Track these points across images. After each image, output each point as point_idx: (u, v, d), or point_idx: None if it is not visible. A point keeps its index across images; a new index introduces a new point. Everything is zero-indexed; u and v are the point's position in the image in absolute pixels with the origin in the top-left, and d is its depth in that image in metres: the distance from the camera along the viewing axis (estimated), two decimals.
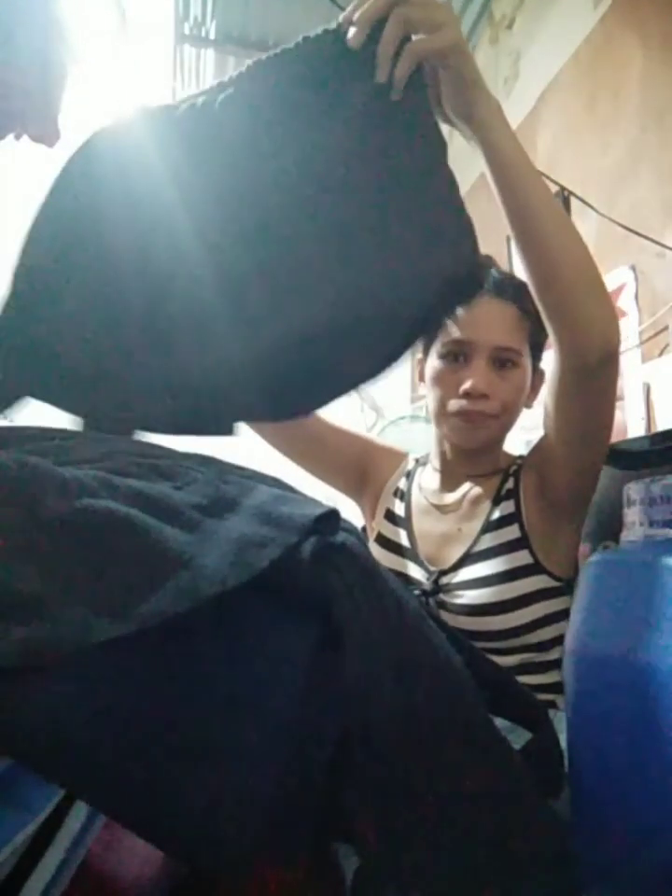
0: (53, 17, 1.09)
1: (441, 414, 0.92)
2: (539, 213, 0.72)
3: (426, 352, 0.96)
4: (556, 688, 0.84)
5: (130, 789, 0.28)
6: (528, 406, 0.97)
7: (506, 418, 0.92)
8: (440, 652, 0.40)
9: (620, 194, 1.91)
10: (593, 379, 0.77)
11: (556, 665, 0.87)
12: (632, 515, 0.43)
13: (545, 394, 0.86)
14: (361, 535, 0.39)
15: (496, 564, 0.86)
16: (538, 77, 2.38)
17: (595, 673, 0.40)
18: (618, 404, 1.93)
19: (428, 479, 1.01)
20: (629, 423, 1.84)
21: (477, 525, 0.90)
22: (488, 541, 0.88)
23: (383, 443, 1.14)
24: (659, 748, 0.36)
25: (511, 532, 0.88)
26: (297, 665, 0.32)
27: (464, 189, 2.67)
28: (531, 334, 0.91)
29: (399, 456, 1.09)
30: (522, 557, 0.86)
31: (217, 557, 0.29)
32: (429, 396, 0.95)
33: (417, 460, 1.08)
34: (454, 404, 0.89)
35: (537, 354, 0.94)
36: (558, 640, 0.86)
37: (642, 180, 1.83)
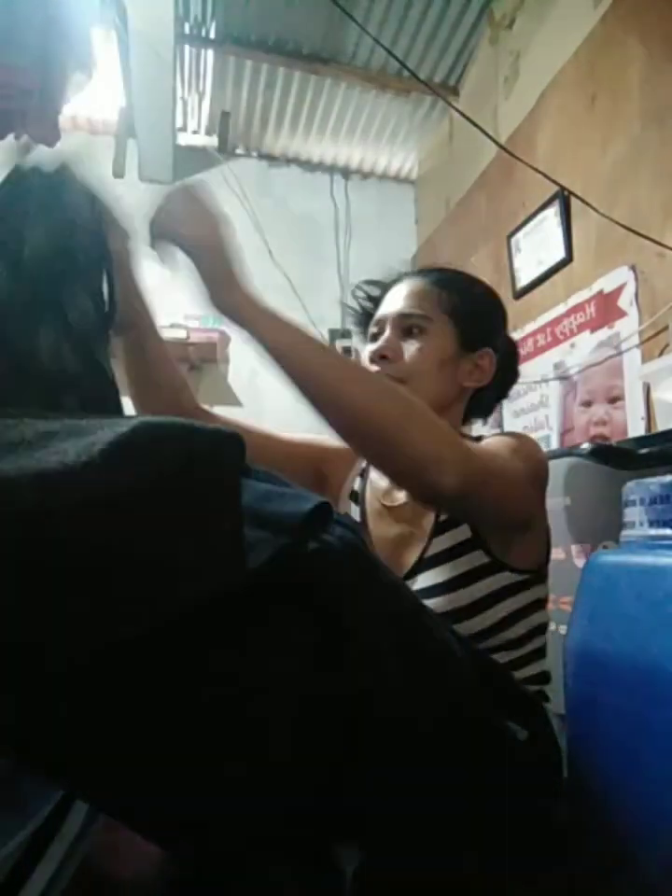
0: (53, 17, 1.09)
1: None
2: (324, 386, 0.69)
3: None
4: (541, 678, 0.81)
5: (130, 788, 0.28)
6: (469, 385, 0.93)
7: (419, 385, 0.86)
8: (440, 643, 0.40)
9: (620, 194, 1.91)
10: (461, 510, 0.73)
11: (538, 655, 0.83)
12: (632, 515, 0.43)
13: None
14: (357, 527, 0.39)
15: (451, 568, 0.81)
16: (538, 77, 2.38)
17: (595, 673, 0.40)
18: (618, 404, 1.95)
19: (378, 477, 0.96)
20: (629, 423, 1.84)
21: (427, 526, 0.85)
22: (441, 544, 0.83)
23: (336, 444, 1.05)
24: (658, 747, 0.36)
25: (462, 532, 0.82)
26: (297, 663, 0.32)
27: (463, 190, 2.69)
28: (450, 305, 0.91)
29: (353, 455, 1.01)
30: (477, 557, 0.81)
31: (209, 559, 0.29)
32: None
33: (363, 474, 1.01)
34: None
35: (466, 327, 0.91)
36: (536, 631, 0.83)
37: (642, 180, 1.83)
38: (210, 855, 0.29)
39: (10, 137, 1.14)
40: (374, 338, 0.94)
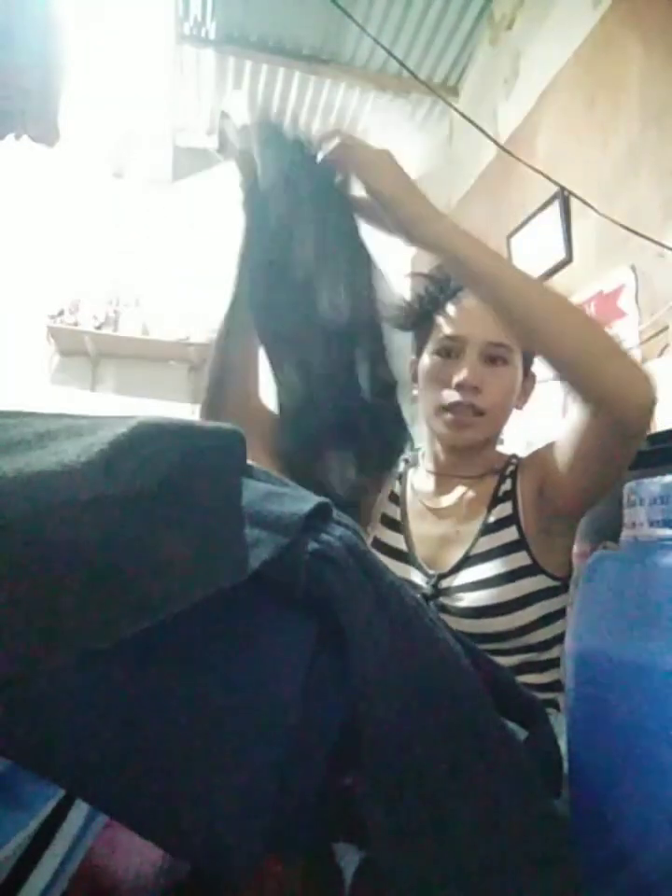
0: (53, 17, 1.09)
1: (433, 411, 0.92)
2: (527, 306, 0.72)
3: (418, 352, 0.96)
4: (556, 686, 0.85)
5: (130, 789, 0.28)
6: (518, 407, 0.96)
7: (495, 417, 0.91)
8: (441, 645, 0.40)
9: (620, 194, 1.91)
10: (634, 440, 0.76)
11: (555, 664, 0.87)
12: (632, 515, 0.43)
13: (570, 435, 0.82)
14: (358, 528, 0.39)
15: (495, 566, 0.85)
16: (538, 77, 2.38)
17: (595, 673, 0.40)
18: None
19: (422, 481, 1.00)
20: None
21: (474, 527, 0.90)
22: (486, 544, 0.87)
23: None
24: (659, 747, 0.36)
25: (509, 534, 0.87)
26: (298, 665, 0.32)
27: (463, 190, 2.69)
28: None
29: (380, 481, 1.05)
30: (520, 559, 0.85)
31: (209, 558, 0.29)
32: (422, 394, 0.94)
33: (407, 461, 1.06)
34: (446, 397, 0.89)
35: (529, 356, 0.93)
36: (557, 639, 0.87)
37: (642, 180, 1.83)
38: (210, 855, 0.29)
39: (10, 137, 1.14)
40: (445, 355, 0.90)
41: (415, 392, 0.98)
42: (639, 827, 0.37)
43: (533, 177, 2.13)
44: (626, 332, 1.86)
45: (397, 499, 1.01)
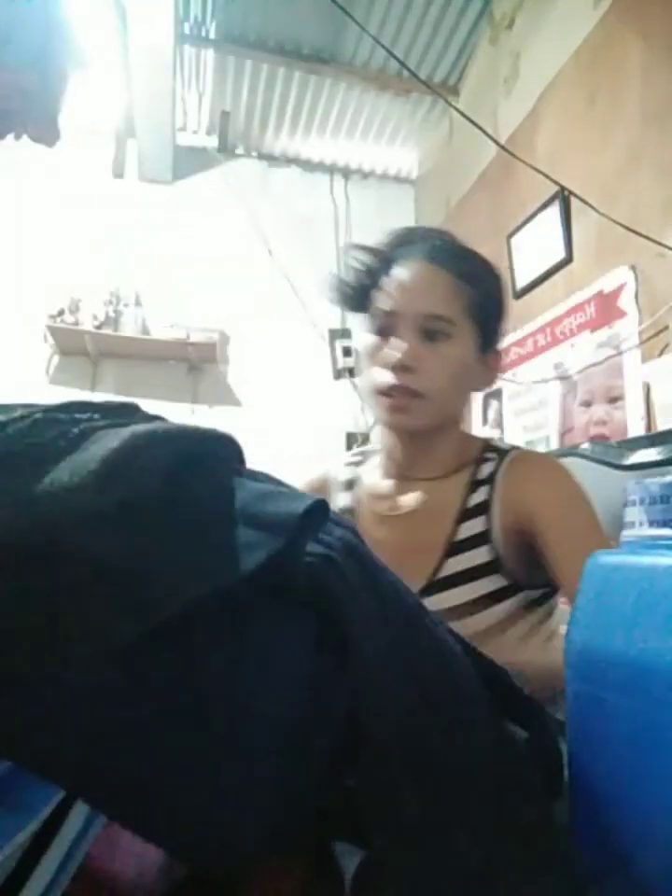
0: (53, 17, 1.09)
1: (370, 395, 0.82)
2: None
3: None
4: None
5: (130, 790, 0.28)
6: (478, 389, 0.86)
7: (439, 400, 0.79)
8: (441, 645, 0.40)
9: (620, 194, 1.91)
10: None
11: None
12: (632, 515, 0.43)
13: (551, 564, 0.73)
14: (356, 528, 0.39)
15: (467, 591, 0.75)
16: (538, 77, 2.38)
17: (595, 673, 0.40)
18: (618, 404, 1.95)
19: (375, 484, 0.88)
20: (629, 423, 1.84)
21: (439, 543, 0.78)
22: (455, 565, 0.77)
23: (305, 484, 0.97)
24: (659, 748, 0.36)
25: (480, 555, 0.76)
26: (297, 665, 0.32)
27: (463, 190, 2.69)
28: (472, 305, 0.79)
29: (321, 484, 0.95)
30: (494, 581, 0.76)
31: (201, 562, 0.29)
32: (362, 377, 0.85)
33: (354, 464, 0.95)
34: (380, 379, 0.78)
35: (484, 330, 0.82)
36: (547, 641, 0.81)
37: (642, 180, 1.83)
38: (210, 855, 0.29)
39: (10, 137, 1.14)
40: (381, 333, 0.80)
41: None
42: (639, 827, 0.37)
43: (533, 177, 2.13)
44: (626, 332, 1.87)
45: (352, 513, 0.89)
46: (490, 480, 0.80)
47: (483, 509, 0.78)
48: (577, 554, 0.67)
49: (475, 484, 0.80)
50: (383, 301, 0.80)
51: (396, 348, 0.77)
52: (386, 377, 0.77)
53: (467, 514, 0.79)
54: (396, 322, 0.79)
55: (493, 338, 0.85)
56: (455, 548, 0.77)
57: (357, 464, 0.95)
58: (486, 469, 0.81)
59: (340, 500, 0.91)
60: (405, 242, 0.84)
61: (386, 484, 0.87)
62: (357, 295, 0.84)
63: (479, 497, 0.79)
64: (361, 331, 0.85)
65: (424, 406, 0.78)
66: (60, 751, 0.27)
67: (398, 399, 0.77)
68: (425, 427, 0.80)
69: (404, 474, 0.85)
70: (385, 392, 0.78)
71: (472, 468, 0.82)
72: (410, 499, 0.83)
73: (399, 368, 0.76)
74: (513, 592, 0.76)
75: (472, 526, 0.78)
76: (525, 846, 0.38)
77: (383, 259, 0.83)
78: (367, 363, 0.82)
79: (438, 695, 0.37)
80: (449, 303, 0.78)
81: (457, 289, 0.78)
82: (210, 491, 0.32)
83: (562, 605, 0.98)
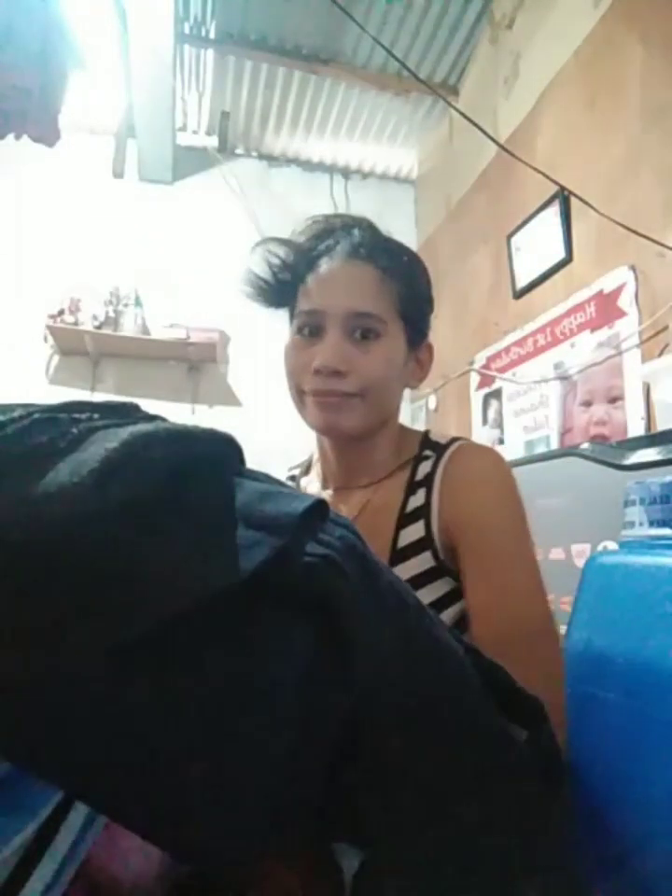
0: (53, 17, 1.09)
1: (297, 398, 0.78)
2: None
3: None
4: None
5: (129, 791, 0.28)
6: (413, 386, 0.82)
7: (374, 398, 0.75)
8: (441, 645, 0.40)
9: (620, 194, 1.91)
10: None
11: None
12: (632, 515, 0.43)
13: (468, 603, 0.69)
14: (355, 528, 0.39)
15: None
16: (538, 77, 2.38)
17: (595, 673, 0.40)
18: (618, 404, 1.95)
19: (317, 493, 0.81)
20: (629, 423, 1.84)
21: (381, 552, 0.74)
22: (399, 573, 0.70)
23: None
24: (659, 746, 0.36)
25: (424, 561, 0.72)
26: (297, 665, 0.32)
27: (463, 190, 2.69)
28: (401, 300, 0.76)
29: None
30: (441, 586, 0.72)
31: (201, 563, 0.29)
32: (286, 380, 0.80)
33: (293, 478, 0.92)
34: (306, 384, 0.75)
35: (413, 325, 0.78)
36: None
37: (642, 180, 1.83)
38: (210, 855, 0.29)
39: (10, 137, 1.14)
40: (306, 332, 0.76)
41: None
42: (639, 826, 0.37)
43: (533, 177, 2.13)
44: (626, 332, 1.87)
45: None
46: (427, 481, 0.76)
47: (421, 513, 0.74)
48: (489, 586, 0.66)
49: (413, 487, 0.76)
50: (306, 300, 0.76)
51: (323, 350, 0.73)
52: (315, 382, 0.73)
53: (406, 520, 0.75)
54: (321, 321, 0.74)
55: (422, 332, 0.81)
56: (398, 556, 0.73)
57: (298, 475, 0.92)
58: (423, 470, 0.77)
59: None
60: (324, 234, 0.79)
61: (326, 495, 0.83)
62: (274, 291, 0.79)
63: (417, 500, 0.75)
64: (288, 332, 0.80)
65: (359, 406, 0.74)
66: (59, 752, 0.27)
67: (327, 398, 0.74)
68: (360, 429, 0.76)
69: (342, 483, 0.82)
70: (312, 395, 0.74)
71: (410, 468, 0.78)
72: (350, 508, 0.79)
73: (327, 372, 0.72)
74: (461, 595, 0.72)
75: (412, 532, 0.74)
76: (525, 844, 0.38)
77: (302, 253, 0.78)
78: (291, 365, 0.77)
79: (438, 694, 0.37)
80: (376, 300, 0.74)
81: (384, 285, 0.75)
82: (210, 491, 0.32)
83: (562, 606, 0.98)
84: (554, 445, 2.18)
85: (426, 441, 0.81)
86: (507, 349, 2.51)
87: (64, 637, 0.26)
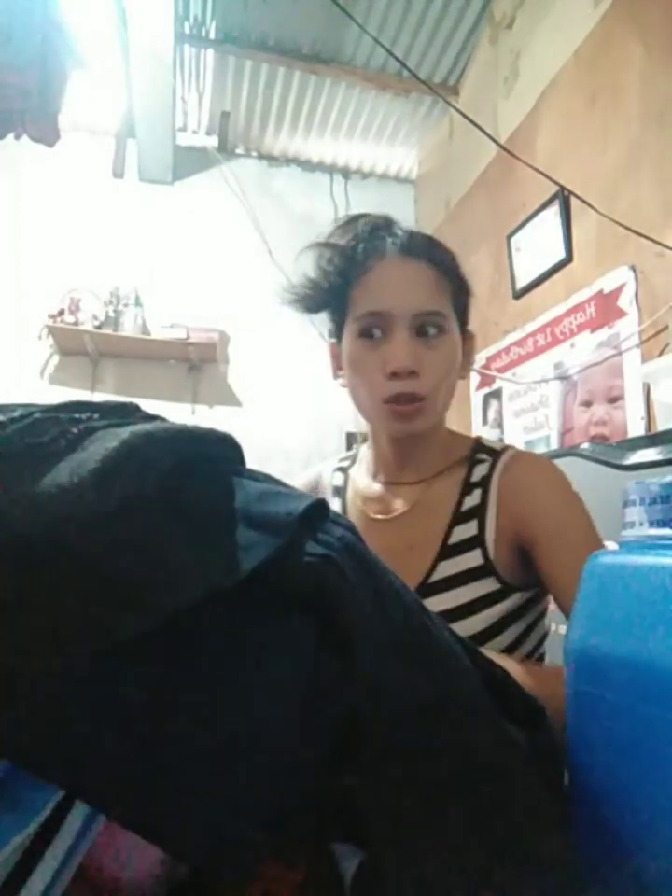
0: (53, 17, 1.09)
1: (371, 407, 0.77)
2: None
3: (338, 335, 0.81)
4: None
5: (129, 790, 0.28)
6: (463, 377, 0.82)
7: (440, 398, 0.76)
8: (442, 645, 0.40)
9: (620, 194, 1.91)
10: None
11: (540, 661, 0.81)
12: (632, 515, 0.43)
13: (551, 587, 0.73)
14: (355, 528, 0.39)
15: (458, 595, 0.74)
16: (538, 77, 2.38)
17: (595, 673, 0.40)
18: (618, 404, 1.95)
19: (366, 485, 0.87)
20: (629, 423, 1.84)
21: (431, 547, 0.77)
22: (447, 569, 0.75)
23: (300, 486, 0.94)
24: (659, 746, 0.36)
25: (473, 558, 0.75)
26: (297, 665, 0.32)
27: (463, 190, 2.69)
28: (453, 295, 0.77)
29: (314, 486, 0.94)
30: (487, 585, 0.75)
31: (201, 563, 0.29)
32: (353, 386, 0.79)
33: (342, 469, 0.94)
34: (381, 388, 0.74)
35: (463, 317, 0.80)
36: (541, 641, 0.80)
37: (642, 180, 1.83)
38: (210, 855, 0.29)
39: (10, 137, 1.14)
40: (370, 333, 0.75)
41: (341, 382, 0.83)
42: (639, 827, 0.37)
43: (533, 177, 2.13)
44: (626, 332, 1.87)
45: (340, 492, 0.88)
46: (483, 483, 0.78)
47: (476, 512, 0.77)
48: (575, 566, 0.67)
49: (469, 487, 0.79)
50: (367, 302, 0.75)
51: (396, 352, 0.73)
52: (392, 387, 0.73)
53: (460, 518, 0.77)
54: (386, 323, 0.74)
55: (467, 322, 0.83)
56: (448, 551, 0.76)
57: (347, 467, 0.94)
58: (479, 472, 0.80)
59: (331, 505, 0.89)
60: (365, 234, 0.78)
61: (376, 487, 0.85)
62: (322, 296, 0.79)
63: (472, 500, 0.78)
64: (341, 334, 0.79)
65: (429, 408, 0.76)
66: (58, 751, 0.27)
67: (405, 407, 0.74)
68: (428, 429, 0.78)
69: (394, 477, 0.84)
70: (389, 400, 0.74)
71: (464, 469, 0.81)
72: (401, 502, 0.81)
73: (403, 374, 0.72)
74: (506, 595, 0.75)
75: (465, 530, 0.76)
76: (526, 845, 0.38)
77: (347, 255, 0.77)
78: (356, 372, 0.77)
79: (438, 695, 0.37)
80: (438, 297, 0.75)
81: (441, 281, 0.76)
82: (210, 491, 0.32)
83: None
84: (554, 445, 2.18)
85: (479, 445, 0.83)
86: (507, 349, 2.51)
87: (64, 637, 0.26)
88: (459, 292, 0.79)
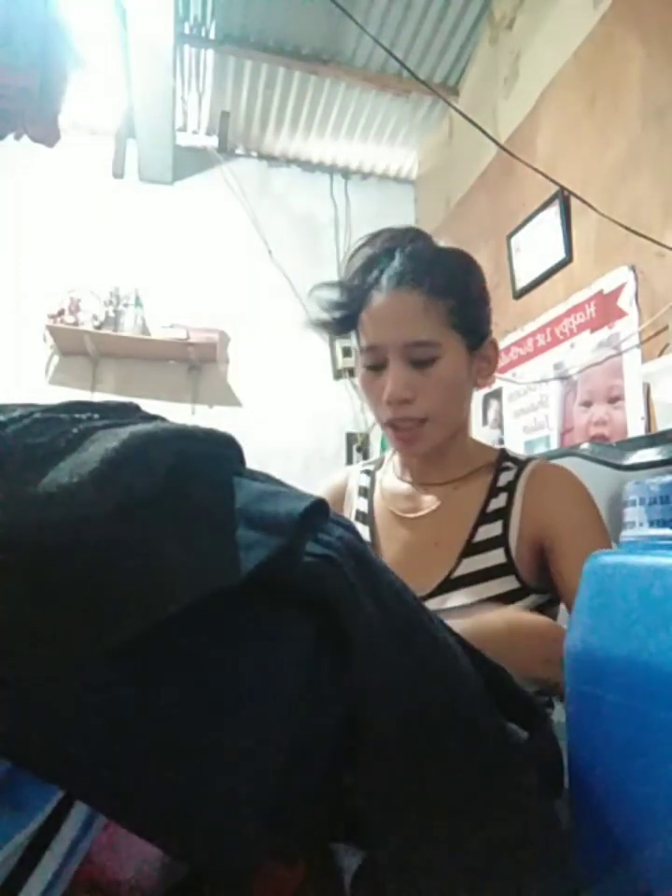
0: (53, 17, 1.09)
1: (381, 427, 0.86)
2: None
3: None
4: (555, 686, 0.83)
5: (128, 790, 0.28)
6: (482, 385, 0.88)
7: (441, 418, 0.82)
8: (442, 645, 0.40)
9: (619, 194, 1.91)
10: None
11: None
12: (632, 515, 0.43)
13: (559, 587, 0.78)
14: (355, 528, 0.39)
15: (480, 590, 0.79)
16: (538, 77, 2.38)
17: (595, 673, 0.40)
18: (618, 404, 1.95)
19: (394, 486, 0.93)
20: (629, 423, 1.84)
21: (456, 544, 0.82)
22: (470, 566, 0.80)
23: (326, 489, 1.02)
24: (659, 747, 0.36)
25: (496, 556, 0.80)
26: (297, 665, 0.32)
27: (463, 190, 2.70)
28: (452, 313, 0.80)
29: (341, 487, 1.01)
30: (507, 583, 0.79)
31: (201, 563, 0.29)
32: (370, 407, 0.88)
33: (368, 471, 0.99)
34: (384, 415, 0.83)
35: (470, 331, 0.83)
36: None
37: (642, 180, 1.83)
38: (210, 855, 0.29)
39: (10, 137, 1.14)
40: (372, 366, 0.82)
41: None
42: (639, 827, 0.37)
43: (533, 177, 2.13)
44: (626, 332, 1.87)
45: (364, 518, 0.93)
46: (509, 488, 0.84)
47: (501, 514, 0.83)
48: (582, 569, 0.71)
49: (495, 491, 0.85)
50: (365, 336, 0.82)
51: (388, 383, 0.80)
52: (389, 412, 0.81)
53: (485, 518, 0.83)
54: (382, 355, 0.81)
55: (481, 333, 0.85)
56: (472, 549, 0.81)
57: (373, 470, 1.00)
58: (505, 478, 0.86)
59: (357, 504, 0.96)
60: (370, 264, 0.83)
61: (404, 488, 0.92)
62: (336, 326, 0.86)
63: (498, 502, 0.84)
64: (357, 362, 0.87)
65: (429, 429, 0.82)
66: (58, 751, 0.27)
67: (403, 432, 0.82)
68: (432, 448, 0.84)
69: (420, 479, 0.90)
70: (390, 424, 0.82)
71: (491, 474, 0.87)
72: (429, 501, 0.88)
73: (394, 402, 0.80)
74: (524, 594, 0.79)
75: (490, 530, 0.82)
76: (526, 845, 0.38)
77: (352, 290, 0.83)
78: (365, 395, 0.86)
79: (438, 695, 0.37)
80: (425, 325, 0.79)
81: (431, 307, 0.79)
82: (210, 491, 0.32)
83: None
84: (554, 445, 2.18)
85: (504, 455, 0.90)
86: (507, 349, 2.51)
87: (63, 637, 0.26)
88: (463, 307, 0.81)
